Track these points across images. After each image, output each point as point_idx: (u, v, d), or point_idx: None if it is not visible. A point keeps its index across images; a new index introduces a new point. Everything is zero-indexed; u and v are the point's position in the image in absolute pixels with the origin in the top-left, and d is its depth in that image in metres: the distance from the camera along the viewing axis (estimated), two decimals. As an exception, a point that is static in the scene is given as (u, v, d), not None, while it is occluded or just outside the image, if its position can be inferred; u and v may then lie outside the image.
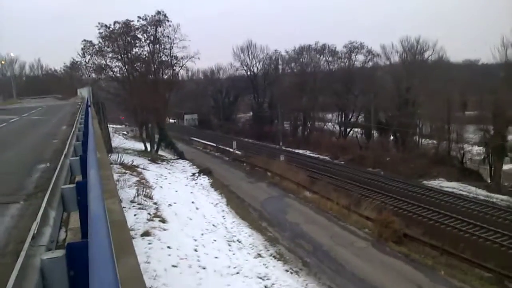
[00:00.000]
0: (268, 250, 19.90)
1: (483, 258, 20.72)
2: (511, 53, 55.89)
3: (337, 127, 72.22)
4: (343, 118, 71.13)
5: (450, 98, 54.13)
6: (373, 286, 16.90)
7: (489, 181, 41.95)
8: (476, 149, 53.29)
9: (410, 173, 44.34)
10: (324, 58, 74.58)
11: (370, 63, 71.69)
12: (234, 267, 15.91)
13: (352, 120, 69.33)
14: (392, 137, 59.91)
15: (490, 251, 23.14)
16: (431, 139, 56.01)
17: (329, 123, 74.29)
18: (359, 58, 72.15)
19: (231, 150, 52.99)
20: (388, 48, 65.87)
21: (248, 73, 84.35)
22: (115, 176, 22.19)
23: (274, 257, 19.07)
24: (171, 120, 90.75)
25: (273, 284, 15.48)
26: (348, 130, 69.21)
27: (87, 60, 45.00)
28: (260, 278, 15.72)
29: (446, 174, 43.33)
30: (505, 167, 43.43)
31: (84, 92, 39.74)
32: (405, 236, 22.14)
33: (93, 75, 47.34)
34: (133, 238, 13.80)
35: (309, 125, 73.93)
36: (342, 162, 51.50)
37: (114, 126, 71.84)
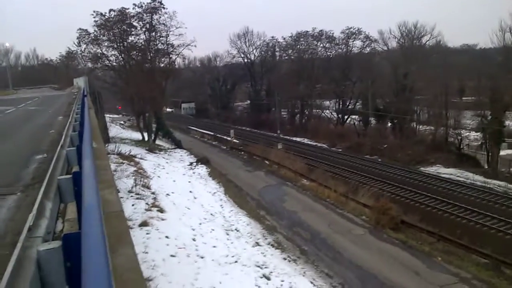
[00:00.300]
0: (266, 239, 20.02)
1: (480, 244, 20.92)
2: (509, 38, 55.81)
3: (335, 115, 72.11)
4: (340, 105, 71.00)
5: (447, 83, 54.06)
6: (371, 273, 17.06)
7: (486, 167, 42.09)
8: (474, 135, 53.43)
9: (408, 159, 44.50)
10: (321, 45, 74.12)
11: (368, 49, 71.25)
12: (232, 256, 16.01)
13: (349, 107, 69.20)
14: (389, 124, 59.92)
15: (486, 237, 23.32)
16: (428, 126, 56.04)
17: (327, 111, 74.14)
18: (357, 44, 71.67)
19: (228, 138, 52.96)
20: (386, 34, 65.55)
21: (245, 60, 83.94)
22: (113, 166, 22.20)
23: (272, 245, 19.20)
24: (168, 109, 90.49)
25: (271, 272, 15.60)
26: (346, 117, 69.13)
27: (82, 49, 44.81)
28: (258, 266, 15.84)
29: (444, 160, 43.49)
30: (502, 152, 43.52)
31: (80, 82, 39.49)
32: (402, 223, 22.27)
33: (89, 64, 47.12)
34: (131, 228, 13.86)
35: (306, 112, 73.84)
36: (340, 150, 51.57)
37: (111, 116, 71.65)
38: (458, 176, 37.44)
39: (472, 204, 28.69)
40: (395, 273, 16.98)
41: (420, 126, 58.18)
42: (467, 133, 53.10)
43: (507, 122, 45.63)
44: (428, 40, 63.91)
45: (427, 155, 45.37)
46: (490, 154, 42.73)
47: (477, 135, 51.24)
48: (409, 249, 19.19)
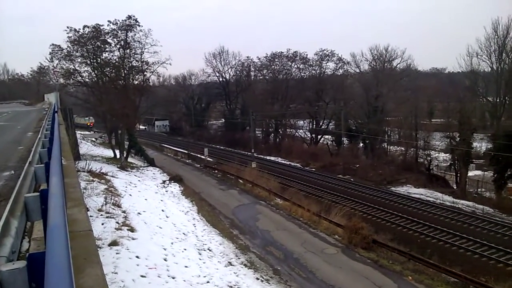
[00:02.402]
0: (239, 258, 19.84)
1: (449, 263, 21.33)
2: (476, 62, 58.07)
3: (308, 134, 72.86)
4: (314, 125, 71.81)
5: (417, 106, 55.54)
6: (343, 292, 17.07)
7: (455, 188, 43.10)
8: (443, 156, 54.78)
9: (379, 179, 45.22)
10: (295, 65, 75.25)
11: (341, 71, 72.72)
12: (204, 276, 15.78)
13: (323, 127, 70.07)
14: (361, 144, 60.91)
15: (456, 257, 23.81)
16: (399, 146, 57.23)
17: (301, 130, 74.89)
18: (330, 66, 73.12)
19: (202, 157, 52.68)
20: (358, 56, 67.19)
21: (220, 79, 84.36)
22: (82, 184, 21.75)
23: (245, 265, 19.03)
24: (141, 127, 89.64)
25: (244, 292, 15.43)
26: (319, 137, 69.94)
27: (55, 65, 44.07)
28: (230, 287, 15.65)
29: (414, 180, 44.41)
30: (470, 173, 44.76)
31: (51, 98, 38.81)
32: (374, 242, 22.47)
33: (61, 80, 46.22)
34: (100, 248, 13.52)
35: (280, 132, 74.35)
36: (313, 169, 51.94)
37: (82, 132, 70.40)
38: (428, 196, 38.22)
39: (442, 224, 29.29)
40: (367, 293, 17.05)
41: (391, 147, 59.38)
42: (437, 154, 54.41)
43: (475, 144, 46.94)
44: (398, 63, 65.79)
45: (398, 175, 46.26)
46: (458, 175, 43.80)
47: (446, 156, 52.53)
48: (380, 268, 19.34)
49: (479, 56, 57.06)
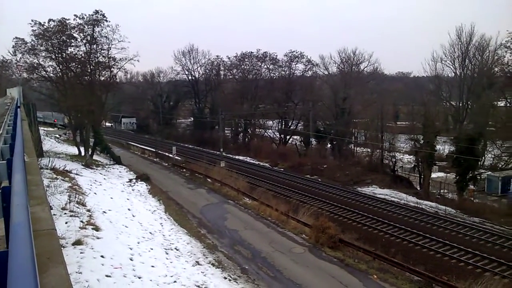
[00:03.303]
0: (206, 258, 19.71)
1: (413, 262, 21.89)
2: (440, 67, 60.00)
3: (277, 134, 73.28)
4: (283, 126, 72.31)
5: (383, 108, 56.79)
6: (310, 291, 17.22)
7: (418, 189, 44.24)
8: (407, 157, 56.26)
9: (346, 180, 45.98)
10: (265, 66, 75.57)
11: (310, 72, 73.66)
12: (171, 276, 15.57)
13: (291, 127, 70.64)
14: (329, 145, 61.78)
15: (419, 256, 24.47)
16: (365, 148, 58.38)
17: (270, 130, 75.27)
18: (299, 67, 73.89)
19: (170, 155, 52.13)
20: (327, 59, 68.41)
21: (190, 77, 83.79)
22: (46, 182, 21.08)
23: (213, 264, 18.92)
24: (107, 124, 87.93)
25: (211, 291, 15.32)
26: (288, 137, 70.45)
27: (18, 59, 42.50)
28: (198, 286, 15.51)
29: (379, 181, 45.39)
30: (433, 175, 46.06)
31: (14, 92, 37.43)
32: (340, 242, 22.78)
33: (25, 74, 44.67)
34: (63, 247, 13.14)
35: (249, 131, 74.45)
36: (282, 169, 52.25)
37: (46, 128, 68.36)
38: (392, 197, 39.11)
39: (406, 223, 30.04)
40: (333, 292, 17.26)
41: (358, 148, 60.50)
42: (401, 156, 55.83)
43: (438, 146, 48.31)
44: (366, 67, 67.38)
45: (364, 176, 47.18)
46: (422, 176, 45.01)
47: (410, 158, 53.93)
48: (346, 267, 19.62)
49: (443, 62, 59.31)
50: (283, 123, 72.23)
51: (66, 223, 16.43)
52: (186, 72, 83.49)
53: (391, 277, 18.79)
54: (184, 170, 45.80)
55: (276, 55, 73.54)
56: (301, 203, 33.51)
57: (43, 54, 42.29)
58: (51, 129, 75.92)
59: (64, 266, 2.78)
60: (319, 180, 46.16)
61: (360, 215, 31.91)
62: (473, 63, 56.44)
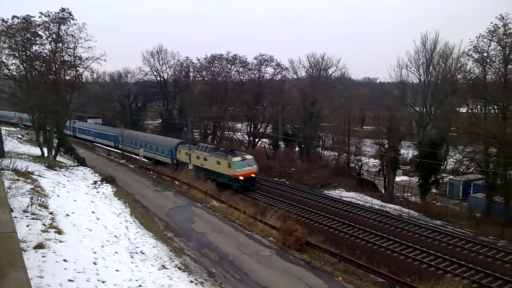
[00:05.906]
0: (173, 261, 19.51)
1: (377, 264, 22.38)
2: (405, 73, 61.66)
3: (246, 137, 73.40)
4: (252, 128, 72.49)
5: (350, 113, 57.86)
6: (276, 293, 17.31)
7: (383, 192, 45.28)
8: (373, 161, 57.49)
9: (313, 183, 46.56)
10: (235, 68, 75.48)
11: (279, 76, 74.03)
12: (136, 280, 15.33)
13: (260, 130, 70.91)
14: (297, 148, 62.36)
15: (383, 258, 25.03)
16: (332, 151, 59.27)
17: (239, 133, 75.29)
18: (269, 71, 74.10)
19: (137, 157, 51.39)
20: (296, 63, 69.27)
21: (158, 78, 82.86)
22: (6, 183, 20.42)
23: (179, 268, 18.74)
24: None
25: (177, 295, 15.17)
26: (257, 140, 70.68)
27: (-22, 56, 40.96)
28: (164, 290, 15.34)
29: (346, 184, 46.21)
30: (398, 178, 47.29)
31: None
32: (307, 244, 23.02)
33: (-15, 73, 43.10)
34: (24, 251, 12.76)
35: (218, 134, 74.24)
36: (250, 172, 52.26)
37: (8, 128, 66.11)
38: (358, 200, 39.88)
39: (371, 226, 30.68)
40: (299, 294, 17.41)
41: (325, 152, 61.38)
42: (367, 160, 57.00)
43: (402, 151, 49.60)
44: (334, 72, 68.59)
45: (330, 179, 47.93)
46: (387, 179, 46.08)
47: (375, 162, 55.11)
48: (313, 269, 19.83)
49: (408, 68, 60.93)
50: (252, 126, 72.40)
51: (27, 226, 15.92)
52: (155, 73, 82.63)
53: (356, 279, 19.13)
54: (151, 172, 45.24)
55: (246, 58, 73.72)
56: (269, 206, 33.72)
57: (6, 51, 40.97)
58: (13, 129, 73.56)
59: (24, 270, 2.73)
60: (287, 183, 46.50)
61: (327, 218, 32.38)
62: (437, 70, 58.23)
